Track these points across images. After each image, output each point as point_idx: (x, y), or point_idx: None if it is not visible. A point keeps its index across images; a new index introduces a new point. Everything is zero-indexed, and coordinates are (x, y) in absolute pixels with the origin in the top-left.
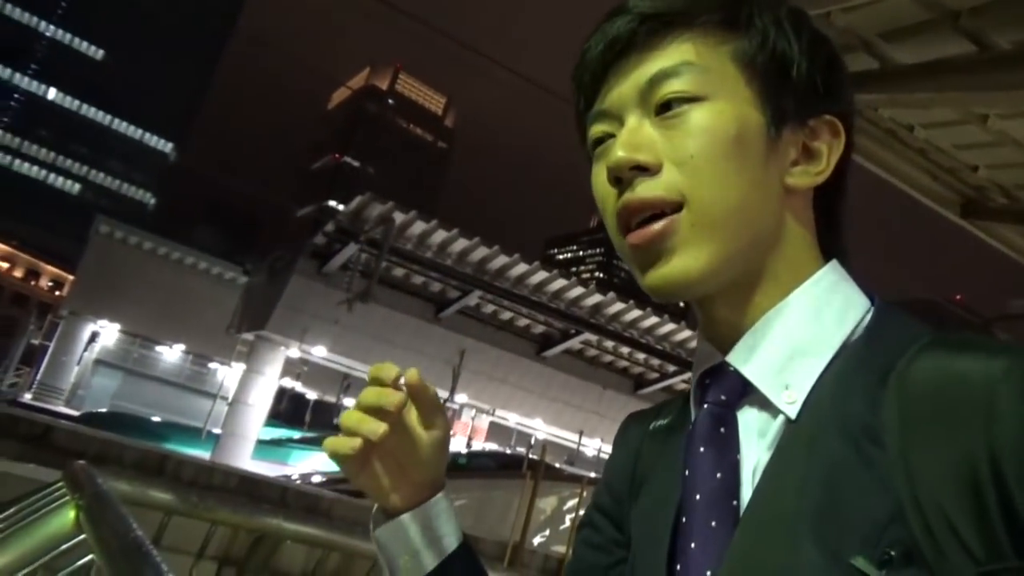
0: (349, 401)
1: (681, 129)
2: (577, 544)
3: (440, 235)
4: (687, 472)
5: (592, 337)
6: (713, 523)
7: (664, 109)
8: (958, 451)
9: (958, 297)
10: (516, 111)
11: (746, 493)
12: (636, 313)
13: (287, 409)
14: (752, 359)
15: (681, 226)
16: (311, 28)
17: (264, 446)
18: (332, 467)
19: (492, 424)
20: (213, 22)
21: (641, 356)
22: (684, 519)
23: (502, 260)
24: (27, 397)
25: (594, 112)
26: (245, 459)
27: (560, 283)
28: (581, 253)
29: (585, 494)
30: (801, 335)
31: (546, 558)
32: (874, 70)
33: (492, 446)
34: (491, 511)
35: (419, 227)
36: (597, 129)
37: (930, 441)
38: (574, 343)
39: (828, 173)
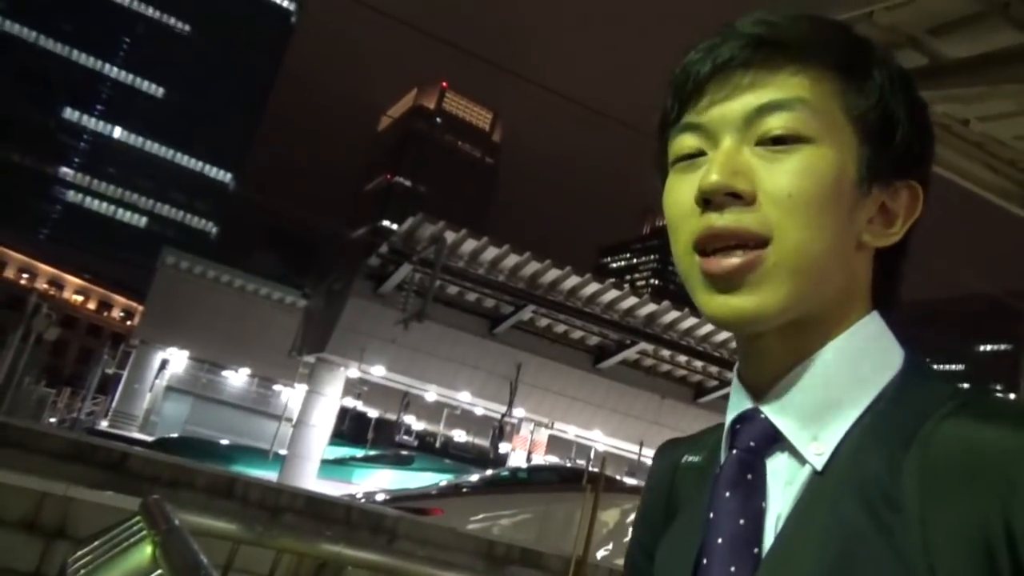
0: (409, 418)
1: (784, 165)
2: None
3: (491, 252)
4: (711, 515)
5: (648, 347)
6: (732, 568)
7: (770, 141)
8: (974, 524)
9: None
10: (563, 121)
11: (769, 542)
12: (692, 321)
13: (350, 428)
14: (784, 407)
15: (764, 263)
16: (357, 55)
17: (328, 465)
18: (395, 485)
19: (551, 437)
20: (264, 55)
21: (699, 364)
22: (704, 561)
23: (554, 273)
24: (103, 425)
25: (686, 122)
26: (310, 479)
27: (613, 294)
28: (635, 261)
29: None
30: (834, 387)
31: (610, 572)
32: (924, 66)
33: (552, 459)
34: (553, 525)
35: (470, 245)
36: (687, 142)
37: (947, 512)
38: (630, 353)
39: (900, 236)
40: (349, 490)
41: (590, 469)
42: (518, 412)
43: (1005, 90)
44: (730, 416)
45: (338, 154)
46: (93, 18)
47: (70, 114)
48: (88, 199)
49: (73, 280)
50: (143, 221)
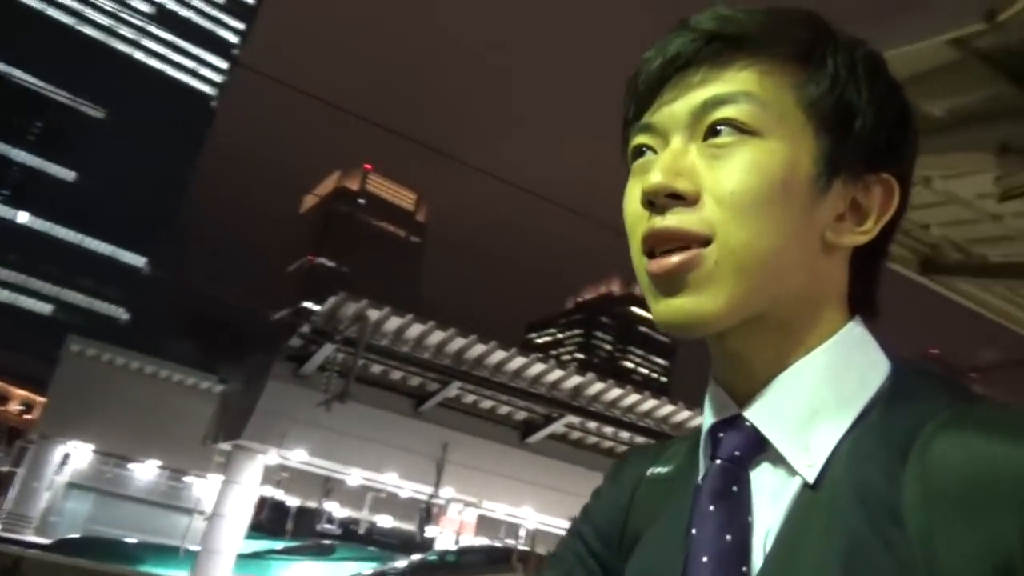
0: (331, 505)
1: (727, 161)
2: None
3: (416, 329)
4: (694, 531)
5: (575, 419)
6: None
7: (713, 135)
8: (988, 540)
9: (934, 351)
10: (488, 200)
11: (756, 559)
12: (616, 392)
13: (268, 518)
14: (772, 415)
15: (705, 261)
16: (280, 137)
17: (245, 560)
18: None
19: (480, 517)
20: (183, 138)
21: (625, 435)
22: None
23: (479, 349)
24: None
25: (640, 123)
26: (226, 575)
27: (539, 367)
28: (560, 336)
29: None
30: (823, 396)
31: None
32: None
33: (482, 540)
34: None
35: (394, 323)
36: (639, 140)
37: (957, 529)
38: (557, 427)
39: (872, 235)
40: None
41: (520, 547)
42: (446, 492)
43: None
44: (708, 422)
45: (259, 236)
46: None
47: None
48: None
49: None
50: (47, 308)
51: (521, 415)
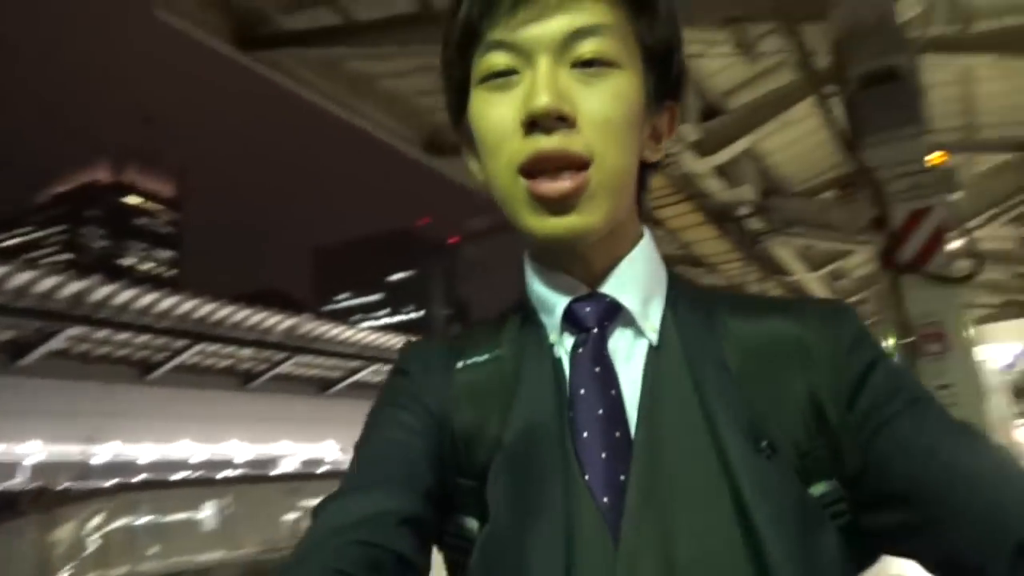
0: None
1: (599, 90)
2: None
3: None
4: (582, 391)
5: (77, 331)
6: (617, 434)
7: (583, 65)
8: (787, 390)
9: (425, 221)
10: None
11: (631, 408)
12: (129, 294)
13: None
14: (624, 292)
15: (589, 183)
16: None
17: None
18: None
19: None
20: None
21: (144, 338)
22: (585, 434)
23: None
24: None
25: (497, 39)
26: None
27: (26, 276)
28: (39, 234)
29: (114, 505)
30: (651, 277)
31: None
32: (338, 25)
33: None
34: None
35: None
36: (498, 59)
37: (766, 381)
38: (57, 343)
39: (663, 153)
40: None
41: (29, 487)
42: None
43: (411, 50)
44: (563, 301)
45: None
46: None
47: None
48: None
49: None
50: None
51: (6, 335)
